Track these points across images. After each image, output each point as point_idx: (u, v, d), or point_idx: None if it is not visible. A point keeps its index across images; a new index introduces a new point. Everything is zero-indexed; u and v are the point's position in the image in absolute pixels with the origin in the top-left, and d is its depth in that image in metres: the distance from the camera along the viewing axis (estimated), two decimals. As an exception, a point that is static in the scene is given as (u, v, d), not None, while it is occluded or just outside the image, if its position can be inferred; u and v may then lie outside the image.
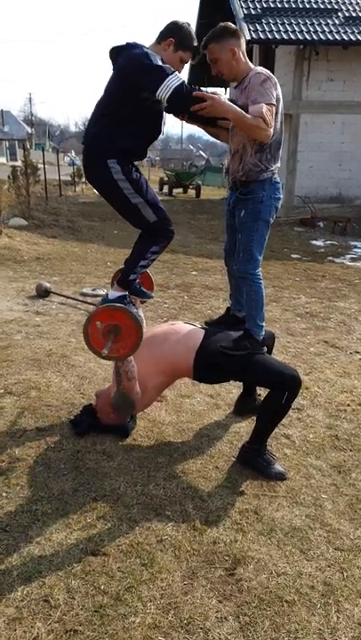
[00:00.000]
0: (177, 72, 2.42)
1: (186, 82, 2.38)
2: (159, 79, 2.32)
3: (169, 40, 2.53)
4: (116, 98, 2.50)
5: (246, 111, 2.50)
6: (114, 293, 2.68)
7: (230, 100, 2.56)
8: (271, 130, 2.55)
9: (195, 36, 2.60)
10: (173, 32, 2.55)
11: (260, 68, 2.68)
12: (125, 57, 2.45)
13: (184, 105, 2.40)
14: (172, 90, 2.31)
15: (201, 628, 1.79)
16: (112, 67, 2.57)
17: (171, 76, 2.33)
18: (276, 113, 2.63)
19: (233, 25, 2.75)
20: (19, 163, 13.93)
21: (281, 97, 2.67)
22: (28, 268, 7.32)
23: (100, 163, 2.52)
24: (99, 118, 2.55)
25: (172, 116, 2.72)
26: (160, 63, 2.39)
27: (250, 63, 2.76)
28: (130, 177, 2.54)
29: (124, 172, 2.52)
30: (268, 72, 2.64)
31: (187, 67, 2.77)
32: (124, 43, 2.54)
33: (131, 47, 2.48)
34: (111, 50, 2.57)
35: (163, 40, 2.55)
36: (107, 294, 2.78)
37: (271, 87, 2.57)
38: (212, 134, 3.02)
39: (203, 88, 2.47)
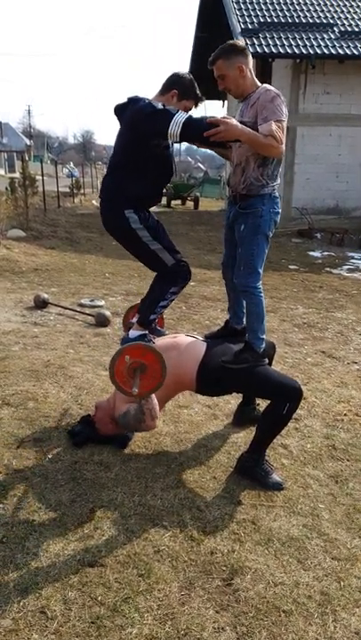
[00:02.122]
0: (179, 110, 2.51)
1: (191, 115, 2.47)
2: (167, 120, 2.41)
3: (172, 92, 2.67)
4: (126, 150, 2.63)
5: (254, 128, 2.55)
6: (134, 333, 2.77)
7: (240, 121, 2.59)
8: (283, 146, 2.59)
9: (196, 85, 2.74)
10: (176, 84, 2.69)
11: (269, 86, 2.73)
12: (130, 112, 2.57)
13: (197, 134, 2.47)
14: (181, 125, 2.40)
15: (198, 639, 1.78)
16: (118, 122, 2.70)
17: (177, 114, 2.42)
18: None
19: (241, 43, 2.79)
20: (17, 174, 13.98)
21: (287, 115, 2.71)
22: (27, 279, 7.35)
23: (118, 213, 2.65)
24: (112, 171, 2.69)
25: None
26: (162, 107, 2.49)
27: (256, 80, 2.80)
28: (147, 224, 2.67)
29: (142, 221, 2.65)
30: (277, 90, 2.69)
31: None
32: (125, 100, 2.68)
33: (133, 102, 2.60)
34: (115, 108, 2.73)
35: (166, 92, 2.69)
36: (127, 334, 2.86)
37: (281, 104, 2.62)
38: (222, 155, 3.07)
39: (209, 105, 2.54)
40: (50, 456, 2.83)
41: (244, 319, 3.05)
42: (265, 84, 2.75)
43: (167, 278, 2.78)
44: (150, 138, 2.53)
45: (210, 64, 2.75)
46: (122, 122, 2.67)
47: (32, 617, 1.84)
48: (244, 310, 3.01)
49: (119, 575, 2.05)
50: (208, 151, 3.25)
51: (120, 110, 2.69)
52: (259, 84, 2.77)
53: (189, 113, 2.51)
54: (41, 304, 5.78)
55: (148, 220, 2.69)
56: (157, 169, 2.69)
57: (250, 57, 2.76)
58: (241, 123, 2.54)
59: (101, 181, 2.84)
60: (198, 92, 2.74)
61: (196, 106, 2.77)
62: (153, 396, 2.75)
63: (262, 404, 3.07)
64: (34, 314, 5.57)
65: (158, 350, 2.67)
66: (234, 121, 2.45)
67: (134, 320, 2.88)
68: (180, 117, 2.41)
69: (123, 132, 2.65)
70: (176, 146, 2.88)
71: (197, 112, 2.66)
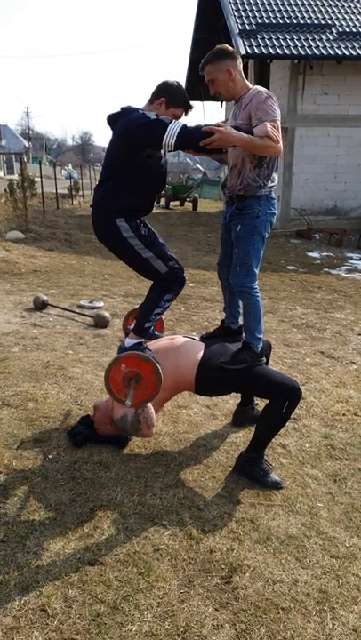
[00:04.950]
0: (173, 119, 2.52)
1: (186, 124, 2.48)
2: (161, 130, 2.42)
3: (160, 99, 2.68)
4: (118, 160, 2.63)
5: (249, 131, 2.56)
6: (130, 341, 2.78)
7: (233, 126, 2.61)
8: (280, 145, 2.61)
9: (185, 92, 2.74)
10: (164, 91, 2.69)
11: (260, 87, 2.75)
12: (123, 123, 2.58)
13: (192, 143, 2.49)
14: (176, 134, 2.41)
15: (197, 636, 1.80)
16: (111, 131, 2.71)
17: (171, 124, 2.43)
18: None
19: (229, 46, 2.82)
20: (16, 176, 13.99)
21: (280, 114, 2.73)
22: (26, 280, 7.37)
23: (109, 222, 2.66)
24: (104, 181, 2.70)
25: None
26: (155, 117, 2.50)
27: (247, 82, 2.82)
28: (139, 233, 2.68)
29: (133, 229, 2.66)
30: (268, 90, 2.72)
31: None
32: (119, 109, 2.69)
33: (126, 112, 2.62)
34: (108, 117, 2.74)
35: (155, 100, 2.70)
36: (123, 342, 2.87)
37: (273, 104, 2.65)
38: (219, 160, 3.09)
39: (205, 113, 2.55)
40: (50, 456, 2.84)
41: (240, 319, 3.07)
42: (256, 86, 2.78)
43: (161, 286, 2.78)
44: (143, 148, 2.55)
45: (200, 70, 2.79)
46: (114, 131, 2.68)
47: (33, 614, 1.86)
48: (240, 310, 3.04)
49: (119, 573, 2.06)
50: (212, 159, 3.24)
51: (113, 120, 2.71)
52: (250, 85, 2.80)
53: (183, 122, 2.51)
54: (40, 305, 5.80)
55: (140, 228, 2.70)
56: (149, 179, 2.70)
57: (239, 60, 2.78)
58: (236, 127, 2.57)
59: (94, 190, 2.85)
60: (187, 99, 2.74)
61: (185, 113, 2.76)
62: (149, 405, 2.77)
63: (261, 404, 3.09)
64: (33, 315, 5.59)
65: (154, 361, 2.68)
66: (229, 128, 2.47)
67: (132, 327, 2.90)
68: (175, 127, 2.42)
69: (115, 142, 2.66)
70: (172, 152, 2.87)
71: (196, 114, 2.66)
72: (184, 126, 2.44)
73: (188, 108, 2.74)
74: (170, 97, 2.68)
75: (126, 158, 2.60)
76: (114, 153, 2.66)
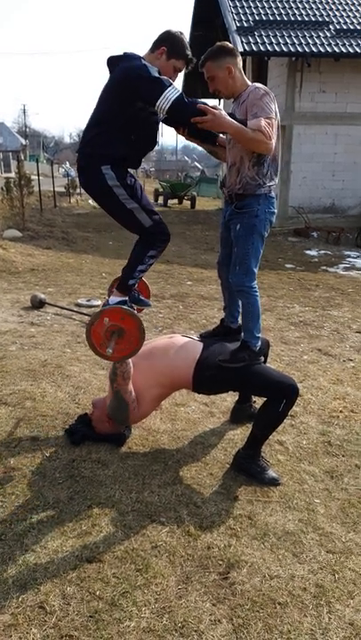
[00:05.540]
0: (173, 83, 2.46)
1: (184, 94, 2.41)
2: (158, 91, 2.36)
3: (161, 48, 2.58)
4: (112, 106, 2.53)
5: (245, 124, 2.55)
6: (114, 299, 2.71)
7: (229, 114, 2.61)
8: (272, 142, 2.58)
9: (187, 45, 2.64)
10: (165, 41, 2.60)
11: (258, 84, 2.74)
12: (123, 68, 2.49)
13: (183, 116, 2.44)
14: (171, 101, 2.35)
15: (195, 631, 1.81)
16: (109, 74, 2.60)
17: (169, 88, 2.37)
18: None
19: (229, 44, 2.81)
20: (12, 174, 13.98)
21: (278, 112, 2.72)
22: (23, 279, 7.37)
23: (95, 169, 2.55)
24: (93, 125, 2.59)
25: (171, 129, 2.78)
26: (157, 75, 2.43)
27: (247, 79, 2.82)
28: (124, 182, 2.57)
29: (119, 178, 2.56)
30: (266, 88, 2.71)
31: (181, 76, 2.83)
32: (121, 53, 2.59)
33: (128, 58, 2.52)
34: (109, 59, 2.62)
35: (156, 49, 2.60)
36: (107, 300, 2.81)
37: (270, 102, 2.63)
38: (211, 153, 3.08)
39: (204, 100, 2.53)
40: (47, 454, 2.85)
41: (239, 318, 3.08)
42: (254, 83, 2.77)
43: (145, 241, 2.69)
44: (137, 100, 2.45)
45: (200, 67, 2.77)
46: (111, 75, 2.57)
47: (31, 612, 1.87)
48: (239, 309, 3.03)
49: (117, 570, 2.07)
50: (205, 150, 3.22)
51: (113, 62, 2.59)
52: (249, 83, 2.79)
53: (181, 91, 2.40)
54: (38, 304, 5.80)
55: (125, 178, 2.59)
56: (140, 133, 2.59)
57: (239, 57, 2.78)
58: (232, 117, 2.56)
59: (82, 133, 2.69)
60: (189, 52, 2.63)
61: (186, 67, 2.67)
62: (129, 360, 2.73)
63: (258, 402, 3.10)
64: (31, 314, 5.59)
65: (137, 316, 2.63)
66: (223, 113, 2.44)
67: None
68: (172, 94, 2.35)
69: (109, 87, 2.55)
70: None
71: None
72: (181, 95, 2.37)
73: (189, 62, 2.66)
74: (171, 47, 2.58)
75: (121, 106, 2.49)
76: (107, 99, 2.55)
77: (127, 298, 2.72)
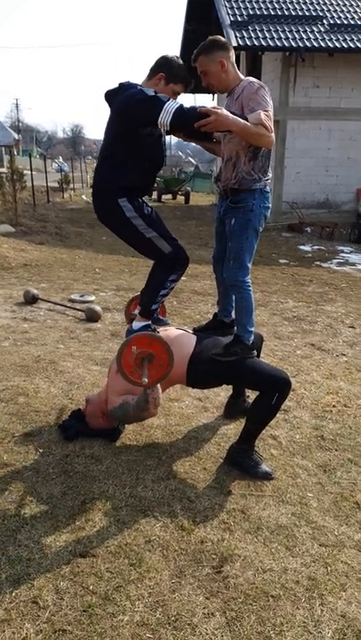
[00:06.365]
0: (171, 98, 2.47)
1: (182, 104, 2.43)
2: (157, 108, 2.37)
3: (159, 74, 2.62)
4: (117, 139, 2.58)
5: (244, 118, 2.54)
6: (138, 324, 2.75)
7: (230, 111, 2.60)
8: (273, 135, 2.58)
9: (185, 68, 2.67)
10: (163, 66, 2.63)
11: (251, 78, 2.73)
12: (122, 99, 2.53)
13: (187, 124, 2.45)
14: (172, 113, 2.36)
15: (188, 624, 1.82)
16: (109, 108, 2.65)
17: (168, 102, 2.39)
18: None
19: (222, 38, 2.80)
20: (5, 169, 13.90)
21: (272, 106, 2.72)
22: (16, 274, 7.34)
23: (112, 204, 2.62)
24: (103, 161, 2.65)
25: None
26: (153, 94, 2.45)
27: (240, 74, 2.80)
28: (141, 213, 2.65)
29: (136, 209, 2.62)
30: (260, 81, 2.70)
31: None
32: (117, 85, 2.64)
33: (124, 88, 2.57)
34: (106, 93, 2.68)
35: (153, 75, 2.64)
36: (130, 326, 2.85)
37: (265, 95, 2.63)
38: (209, 150, 3.06)
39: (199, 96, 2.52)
40: (41, 450, 2.85)
41: (233, 312, 3.08)
42: (248, 77, 2.76)
43: (165, 266, 2.74)
44: (141, 126, 2.49)
45: (193, 61, 2.76)
46: (112, 108, 2.62)
47: (24, 607, 1.87)
48: (233, 304, 3.04)
49: (110, 565, 2.07)
50: (199, 145, 3.21)
51: (111, 96, 2.64)
52: (242, 77, 2.78)
53: (180, 102, 2.45)
54: (31, 299, 5.78)
55: (142, 208, 2.66)
56: (148, 158, 2.65)
57: (232, 51, 2.76)
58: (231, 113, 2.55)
59: (94, 171, 2.79)
60: (187, 74, 2.66)
61: (185, 90, 2.69)
62: (158, 385, 2.77)
63: (252, 396, 3.10)
64: (24, 309, 5.57)
65: (164, 339, 2.66)
66: (225, 111, 2.43)
67: (137, 312, 2.87)
68: (172, 106, 2.37)
69: (113, 120, 2.61)
70: (167, 139, 2.82)
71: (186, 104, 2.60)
72: (181, 106, 2.39)
73: (188, 84, 2.68)
74: (169, 72, 2.61)
75: (125, 137, 2.54)
76: (112, 132, 2.60)
77: (150, 322, 2.77)
